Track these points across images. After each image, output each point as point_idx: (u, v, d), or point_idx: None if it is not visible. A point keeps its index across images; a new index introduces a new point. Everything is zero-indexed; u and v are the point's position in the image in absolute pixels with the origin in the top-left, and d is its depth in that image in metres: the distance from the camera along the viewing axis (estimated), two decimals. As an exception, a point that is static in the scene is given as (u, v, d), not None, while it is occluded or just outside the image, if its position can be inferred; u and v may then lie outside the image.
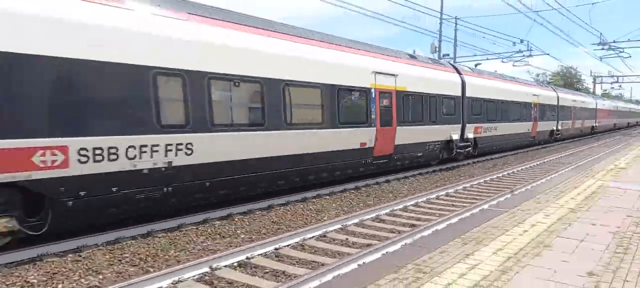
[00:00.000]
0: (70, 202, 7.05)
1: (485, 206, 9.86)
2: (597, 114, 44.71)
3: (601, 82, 67.15)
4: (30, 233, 6.81)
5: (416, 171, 16.08)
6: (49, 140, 6.64)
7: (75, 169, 6.94)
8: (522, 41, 35.34)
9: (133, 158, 7.65)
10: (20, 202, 6.71)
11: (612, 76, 63.64)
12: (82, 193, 7.14)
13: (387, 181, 14.27)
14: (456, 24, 34.62)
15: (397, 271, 4.72)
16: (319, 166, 11.82)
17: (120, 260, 6.86)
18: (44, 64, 6.61)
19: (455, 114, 18.27)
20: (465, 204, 10.92)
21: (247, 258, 6.81)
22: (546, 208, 7.85)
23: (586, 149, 27.03)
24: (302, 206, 10.61)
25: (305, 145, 11.15)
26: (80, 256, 6.94)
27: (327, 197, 11.74)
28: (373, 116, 13.36)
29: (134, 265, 6.70)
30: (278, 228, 8.78)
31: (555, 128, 31.37)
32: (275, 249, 7.26)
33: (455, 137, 18.21)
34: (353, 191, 12.63)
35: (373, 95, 13.35)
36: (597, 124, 44.47)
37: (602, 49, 36.26)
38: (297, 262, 6.82)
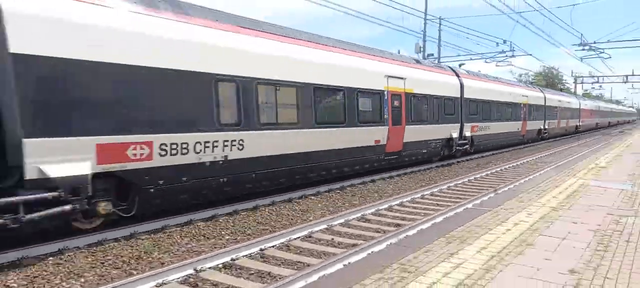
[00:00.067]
0: (152, 189, 8.28)
1: (470, 205, 9.95)
2: (581, 113, 46.40)
3: (582, 82, 68.28)
4: (122, 215, 8.05)
5: (401, 171, 16.17)
6: (139, 137, 7.86)
7: (157, 161, 8.18)
8: (505, 42, 35.81)
9: (199, 153, 8.90)
10: (114, 189, 7.88)
11: (593, 76, 64.81)
12: (160, 181, 8.35)
13: (373, 181, 14.32)
14: (440, 24, 34.90)
15: (383, 271, 4.73)
16: (341, 161, 13.02)
17: (102, 263, 6.76)
18: (141, 73, 7.90)
19: (455, 114, 19.64)
20: (449, 203, 11.00)
21: (232, 259, 6.77)
22: (529, 207, 7.95)
23: (567, 149, 27.46)
24: (287, 206, 10.58)
25: (331, 142, 12.38)
26: (62, 259, 6.83)
27: (313, 197, 11.73)
28: (386, 116, 14.66)
29: (117, 268, 6.61)
30: (263, 229, 8.74)
31: (542, 127, 32.88)
32: (261, 250, 7.23)
33: (455, 135, 19.55)
34: (338, 191, 12.64)
35: (386, 97, 14.67)
36: (580, 124, 46.19)
37: (583, 49, 36.95)
38: (282, 262, 6.80)
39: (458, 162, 20.03)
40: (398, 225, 8.96)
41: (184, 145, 8.58)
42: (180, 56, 8.53)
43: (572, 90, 66.64)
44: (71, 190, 6.95)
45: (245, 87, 9.78)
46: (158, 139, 8.14)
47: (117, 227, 8.06)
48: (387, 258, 5.17)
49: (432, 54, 34.76)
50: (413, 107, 16.25)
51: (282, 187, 11.43)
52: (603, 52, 38.17)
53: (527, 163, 19.61)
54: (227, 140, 9.38)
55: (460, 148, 20.23)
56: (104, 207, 7.62)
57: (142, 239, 7.85)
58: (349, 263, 6.24)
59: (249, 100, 9.88)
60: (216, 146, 9.18)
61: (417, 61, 18.66)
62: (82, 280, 6.15)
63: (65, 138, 6.93)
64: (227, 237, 8.21)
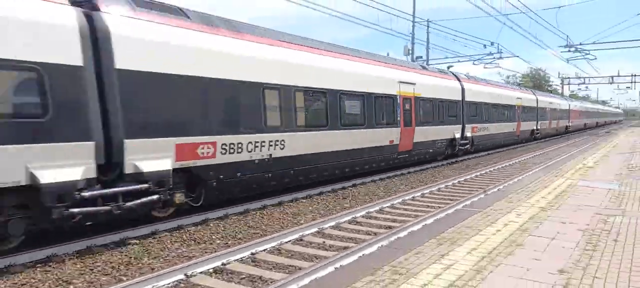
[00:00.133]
0: (214, 183, 9.57)
1: (460, 206, 10.00)
2: (570, 114, 48.10)
3: (569, 83, 69.01)
4: (192, 204, 9.40)
5: (391, 172, 16.22)
6: (206, 138, 9.19)
7: (219, 159, 9.50)
8: (492, 44, 36.08)
9: (250, 151, 10.23)
10: (185, 183, 9.08)
11: (579, 77, 65.56)
12: (221, 176, 9.64)
13: (363, 183, 14.35)
14: (428, 26, 35.12)
15: (374, 273, 4.74)
16: (361, 159, 14.36)
17: (91, 269, 6.69)
18: (209, 83, 9.24)
19: (457, 115, 21.12)
20: (440, 205, 11.05)
21: (223, 264, 6.73)
22: (518, 208, 8.01)
23: (556, 149, 27.74)
24: (278, 210, 10.57)
25: (353, 141, 13.72)
26: (50, 266, 6.75)
27: (304, 200, 11.72)
28: (398, 118, 16.04)
29: (106, 274, 6.54)
30: (254, 233, 8.71)
31: (535, 128, 34.36)
32: (252, 254, 7.20)
33: (457, 135, 21.02)
34: (330, 194, 12.64)
35: (398, 101, 16.05)
36: (570, 124, 47.89)
37: (569, 51, 37.35)
38: (273, 266, 6.77)
39: (457, 161, 20.64)
40: (389, 227, 8.98)
41: (239, 145, 9.93)
42: (237, 68, 9.87)
43: (559, 92, 67.36)
44: (157, 183, 8.19)
45: (286, 94, 11.14)
46: (220, 139, 9.48)
47: (107, 233, 7.99)
48: (379, 261, 5.19)
49: (421, 56, 34.97)
50: (421, 110, 17.64)
51: (310, 182, 12.64)
52: (589, 54, 38.66)
53: (518, 163, 19.77)
54: (272, 141, 10.75)
55: (462, 147, 21.61)
56: (179, 197, 8.85)
57: (132, 245, 7.78)
58: (341, 266, 6.22)
59: (289, 105, 11.24)
60: (263, 146, 10.53)
61: (423, 67, 20.43)
62: (71, 287, 6.08)
63: (154, 139, 8.25)
64: (218, 242, 8.17)
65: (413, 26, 32.79)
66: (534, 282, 4.48)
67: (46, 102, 6.77)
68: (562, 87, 70.19)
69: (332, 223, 9.09)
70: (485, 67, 39.24)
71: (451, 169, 18.55)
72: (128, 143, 7.78)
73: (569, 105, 48.75)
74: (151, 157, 8.14)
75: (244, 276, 6.37)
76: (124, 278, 6.32)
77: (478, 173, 16.54)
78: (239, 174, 10.05)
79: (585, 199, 8.79)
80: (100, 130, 7.42)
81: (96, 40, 7.44)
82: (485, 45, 36.30)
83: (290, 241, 7.96)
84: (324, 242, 8.02)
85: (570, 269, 4.82)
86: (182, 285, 6.04)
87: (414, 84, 17.17)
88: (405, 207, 11.00)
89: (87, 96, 7.25)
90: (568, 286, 4.37)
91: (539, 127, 35.08)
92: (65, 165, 6.91)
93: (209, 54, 9.29)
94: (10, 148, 6.38)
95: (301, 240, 8.11)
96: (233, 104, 9.86)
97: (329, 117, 12.63)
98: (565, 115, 45.61)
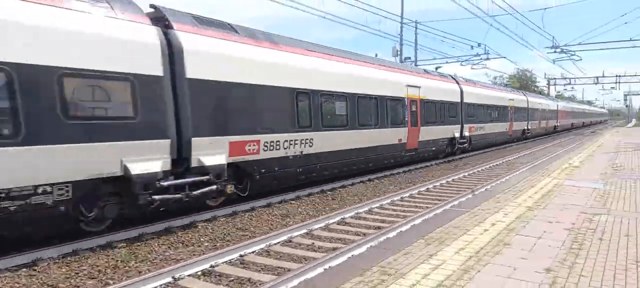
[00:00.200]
0: (257, 176, 10.89)
1: (448, 207, 10.04)
2: (558, 114, 49.64)
3: (555, 84, 69.83)
4: (241, 194, 10.69)
5: (380, 173, 16.26)
6: (252, 136, 10.52)
7: (262, 155, 10.85)
8: (479, 45, 36.48)
9: (286, 149, 11.56)
10: (234, 176, 10.31)
11: (565, 78, 66.37)
12: (263, 170, 10.97)
13: (353, 184, 14.37)
14: (416, 27, 35.31)
15: (363, 274, 4.74)
16: (374, 156, 15.71)
17: (77, 273, 6.60)
18: (255, 89, 10.56)
19: (456, 116, 22.47)
20: (428, 205, 11.09)
21: (211, 266, 6.69)
22: (505, 207, 8.08)
23: (542, 149, 28.03)
24: (267, 211, 10.53)
25: (367, 140, 15.05)
26: (35, 270, 6.64)
27: (293, 201, 11.70)
28: (406, 119, 17.45)
29: (92, 278, 6.46)
30: (243, 235, 8.67)
31: (526, 127, 35.66)
32: (240, 256, 7.16)
33: (457, 135, 22.45)
34: (318, 195, 12.63)
35: (406, 103, 17.47)
36: (558, 124, 49.38)
37: (555, 52, 37.89)
38: (262, 268, 6.75)
39: (445, 161, 20.83)
40: (378, 227, 8.99)
41: (277, 143, 11.23)
42: (275, 76, 11.17)
43: (546, 92, 68.06)
44: (216, 175, 9.44)
45: (314, 97, 12.50)
46: (263, 138, 10.80)
47: (93, 236, 7.90)
48: (368, 261, 5.19)
49: (409, 57, 35.10)
50: (426, 111, 19.06)
51: (329, 177, 13.88)
52: (574, 55, 39.26)
53: (505, 163, 19.94)
54: (303, 139, 12.08)
55: (461, 146, 23.09)
56: (230, 188, 10.02)
57: (119, 248, 7.70)
58: (330, 267, 6.22)
59: (316, 107, 12.56)
60: (296, 144, 11.86)
61: (426, 71, 21.92)
62: (57, 291, 6.00)
63: (213, 137, 9.54)
64: (206, 244, 8.12)
65: (401, 27, 32.97)
66: (521, 280, 4.51)
67: (137, 106, 8.05)
68: (549, 88, 70.98)
69: (321, 225, 9.09)
70: (472, 68, 39.58)
71: (440, 169, 18.64)
72: (194, 140, 9.08)
73: (557, 105, 50.31)
74: (211, 152, 9.43)
75: (232, 278, 6.33)
76: (111, 282, 6.25)
77: (466, 174, 16.64)
78: (276, 168, 11.34)
79: (571, 198, 8.89)
80: (174, 129, 8.72)
81: (172, 54, 8.77)
82: (472, 47, 36.70)
83: (279, 242, 7.94)
84: (313, 243, 8.00)
85: (557, 268, 4.87)
86: (170, 288, 5.98)
87: (419, 87, 18.50)
88: (394, 207, 11.03)
89: (166, 101, 8.56)
90: (554, 284, 4.41)
91: (529, 127, 36.41)
92: (150, 159, 8.21)
93: (253, 63, 10.59)
94: (111, 145, 7.63)
95: (290, 241, 8.09)
96: (273, 106, 11.11)
97: (349, 118, 14.03)
98: (554, 115, 47.12)
